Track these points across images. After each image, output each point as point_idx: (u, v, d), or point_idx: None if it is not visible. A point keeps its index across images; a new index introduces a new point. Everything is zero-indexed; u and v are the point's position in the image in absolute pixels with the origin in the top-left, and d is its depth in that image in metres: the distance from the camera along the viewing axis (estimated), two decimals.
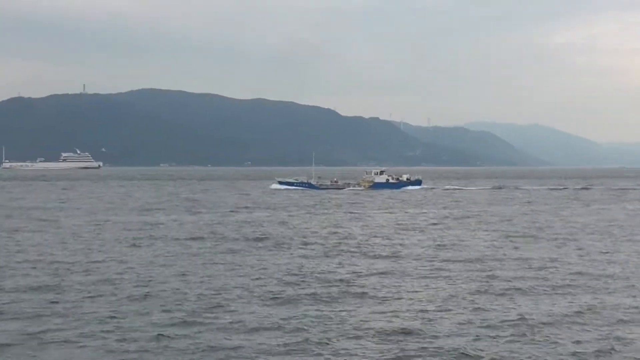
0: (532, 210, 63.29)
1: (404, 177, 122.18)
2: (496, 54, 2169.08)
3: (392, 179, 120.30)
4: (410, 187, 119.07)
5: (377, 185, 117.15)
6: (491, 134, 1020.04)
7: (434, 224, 46.91)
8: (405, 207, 66.96)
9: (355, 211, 62.06)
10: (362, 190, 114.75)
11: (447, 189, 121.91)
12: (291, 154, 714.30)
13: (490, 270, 25.86)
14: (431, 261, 28.36)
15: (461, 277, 24.11)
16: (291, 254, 30.72)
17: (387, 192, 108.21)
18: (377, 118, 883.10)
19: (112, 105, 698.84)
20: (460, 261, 28.45)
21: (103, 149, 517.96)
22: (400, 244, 34.46)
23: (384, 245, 33.87)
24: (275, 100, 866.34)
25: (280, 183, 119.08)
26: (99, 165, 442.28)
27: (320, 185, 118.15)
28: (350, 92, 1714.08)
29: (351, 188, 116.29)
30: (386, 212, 59.41)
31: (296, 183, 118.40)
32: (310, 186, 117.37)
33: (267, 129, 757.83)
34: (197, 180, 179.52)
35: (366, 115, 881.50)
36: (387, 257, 29.96)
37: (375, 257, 29.87)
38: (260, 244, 34.28)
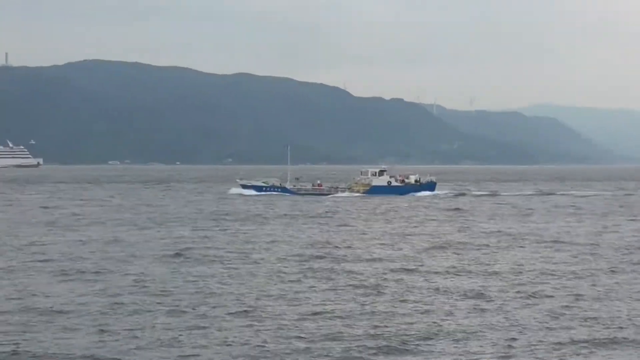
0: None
1: (412, 179, 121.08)
2: (571, 19, 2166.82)
3: (397, 180, 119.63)
4: (420, 193, 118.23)
5: (375, 190, 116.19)
6: (556, 121, 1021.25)
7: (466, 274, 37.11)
8: (415, 232, 59.17)
9: (328, 236, 55.80)
10: (355, 196, 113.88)
11: (479, 196, 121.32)
12: (286, 147, 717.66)
13: None
14: None
15: None
16: None
17: (387, 199, 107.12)
18: (401, 100, 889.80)
19: (44, 81, 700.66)
20: None
21: (32, 141, 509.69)
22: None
23: None
24: (264, 75, 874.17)
25: (245, 187, 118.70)
26: (38, 163, 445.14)
27: (298, 189, 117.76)
28: (366, 65, 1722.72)
29: (340, 194, 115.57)
30: (380, 246, 49.26)
31: (266, 187, 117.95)
32: (284, 191, 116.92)
33: (254, 114, 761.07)
34: (144, 184, 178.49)
35: (387, 96, 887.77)
36: None
37: None
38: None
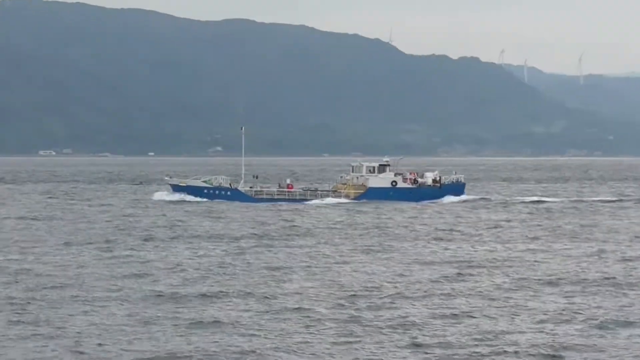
0: None
1: (428, 178, 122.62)
2: None
3: (405, 180, 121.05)
4: (441, 198, 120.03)
5: (372, 194, 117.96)
6: None
7: None
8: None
9: None
10: (341, 203, 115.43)
11: (528, 202, 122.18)
12: (301, 130, 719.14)
13: None
14: None
15: None
16: None
17: (390, 208, 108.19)
18: (476, 59, 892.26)
19: None
20: None
21: None
22: None
23: None
24: (268, 23, 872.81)
25: (176, 189, 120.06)
26: None
27: (256, 193, 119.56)
28: (421, 8, 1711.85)
29: (319, 200, 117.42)
30: None
31: (208, 189, 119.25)
32: (235, 195, 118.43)
33: (252, 82, 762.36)
34: (49, 183, 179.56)
35: (453, 54, 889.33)
36: None
37: None
38: None
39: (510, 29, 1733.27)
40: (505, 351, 34.22)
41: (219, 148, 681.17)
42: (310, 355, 33.85)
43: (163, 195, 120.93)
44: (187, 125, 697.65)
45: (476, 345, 35.09)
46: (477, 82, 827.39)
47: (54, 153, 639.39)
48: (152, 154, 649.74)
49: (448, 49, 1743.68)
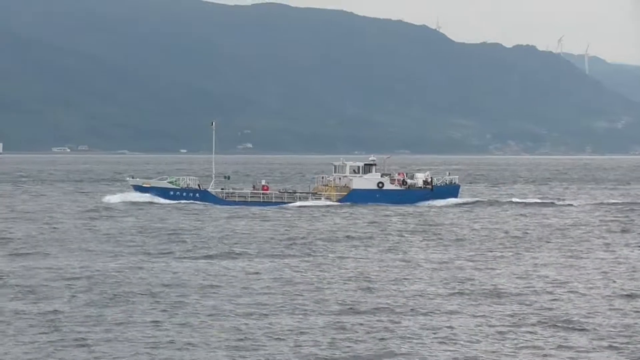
0: None
1: (419, 180, 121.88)
2: None
3: (393, 181, 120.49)
4: (432, 201, 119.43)
5: (356, 196, 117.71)
6: None
7: None
8: None
9: None
10: (321, 205, 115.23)
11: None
12: (338, 125, 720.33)
13: None
14: None
15: None
16: None
17: (376, 211, 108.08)
18: (532, 48, 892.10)
19: None
20: None
21: None
22: None
23: None
24: (304, 7, 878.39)
25: (138, 189, 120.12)
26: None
27: (226, 195, 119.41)
28: None
29: (297, 203, 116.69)
30: None
31: (174, 191, 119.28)
32: (204, 196, 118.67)
33: (285, 72, 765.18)
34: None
35: (507, 42, 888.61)
36: None
37: None
38: None
39: (569, 14, 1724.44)
40: None
41: (249, 145, 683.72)
42: None
43: (116, 198, 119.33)
44: (213, 119, 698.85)
45: None
46: (532, 72, 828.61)
47: (68, 150, 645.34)
48: (185, 150, 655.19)
49: (501, 37, 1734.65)
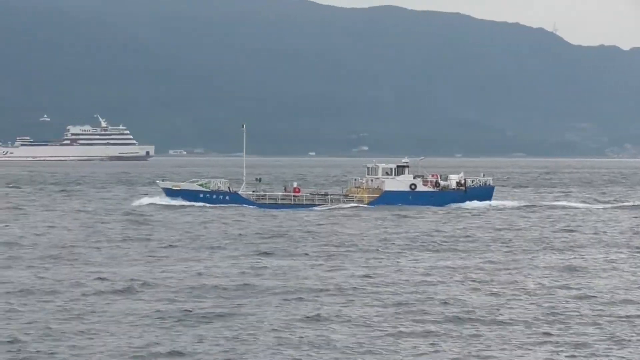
0: None
1: (452, 181, 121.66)
2: None
3: (426, 182, 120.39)
4: (465, 203, 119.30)
5: (388, 198, 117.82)
6: None
7: None
8: None
9: None
10: (352, 208, 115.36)
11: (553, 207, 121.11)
12: (454, 128, 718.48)
13: None
14: None
15: None
16: None
17: (409, 213, 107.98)
18: None
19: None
20: None
21: (45, 116, 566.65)
22: None
23: None
24: (421, 11, 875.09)
25: (169, 193, 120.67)
26: (148, 153, 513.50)
27: (258, 197, 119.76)
28: None
29: (330, 205, 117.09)
30: None
31: (205, 193, 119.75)
32: (234, 199, 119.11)
33: (400, 74, 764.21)
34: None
35: (624, 44, 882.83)
36: None
37: None
38: None
39: None
40: None
41: (364, 147, 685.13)
42: None
43: (147, 200, 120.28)
44: (329, 122, 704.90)
45: None
46: None
47: (184, 152, 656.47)
48: (313, 153, 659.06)
49: (619, 39, 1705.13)
